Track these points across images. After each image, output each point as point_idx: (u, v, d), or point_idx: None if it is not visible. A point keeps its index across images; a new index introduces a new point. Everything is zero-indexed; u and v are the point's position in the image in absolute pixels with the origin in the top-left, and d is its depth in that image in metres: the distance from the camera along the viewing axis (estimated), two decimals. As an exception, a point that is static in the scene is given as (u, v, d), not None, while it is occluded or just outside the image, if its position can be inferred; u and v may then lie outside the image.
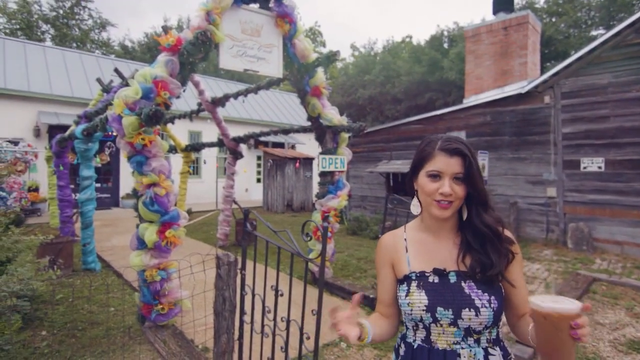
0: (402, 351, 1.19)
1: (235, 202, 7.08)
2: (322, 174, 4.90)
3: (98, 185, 11.53)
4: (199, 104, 6.55)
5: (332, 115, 4.63)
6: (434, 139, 1.14)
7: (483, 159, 6.28)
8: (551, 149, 7.15)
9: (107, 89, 5.36)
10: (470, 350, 1.07)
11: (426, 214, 1.18)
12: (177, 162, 10.17)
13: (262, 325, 2.41)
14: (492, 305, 1.05)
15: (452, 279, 1.10)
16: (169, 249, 3.19)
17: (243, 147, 7.14)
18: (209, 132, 14.17)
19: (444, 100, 19.70)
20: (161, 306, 3.22)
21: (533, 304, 0.85)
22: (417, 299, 1.09)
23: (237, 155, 6.92)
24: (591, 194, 6.79)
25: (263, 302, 2.39)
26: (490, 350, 1.08)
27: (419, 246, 1.19)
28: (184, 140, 9.75)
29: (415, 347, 1.14)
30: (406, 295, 1.13)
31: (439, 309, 1.07)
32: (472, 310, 1.04)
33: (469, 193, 1.09)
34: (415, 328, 1.14)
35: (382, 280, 1.24)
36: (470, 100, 8.81)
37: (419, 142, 1.21)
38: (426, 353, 1.11)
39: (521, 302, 1.11)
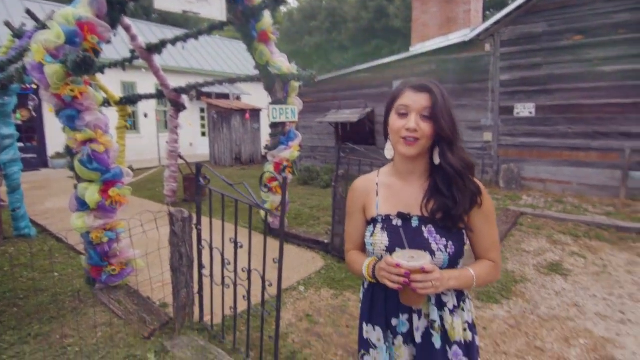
0: (366, 284, 1.30)
1: (182, 157, 6.78)
2: (273, 125, 4.79)
3: (21, 145, 10.37)
4: (132, 51, 5.94)
5: (282, 63, 4.44)
6: (404, 82, 1.14)
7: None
8: (489, 96, 7.53)
9: (19, 34, 4.64)
10: None
11: (398, 158, 1.20)
12: (112, 116, 9.36)
13: (223, 277, 2.43)
14: (448, 250, 1.10)
15: (415, 223, 1.15)
16: (114, 209, 3.02)
17: (185, 99, 6.70)
18: (145, 84, 13.08)
19: (391, 49, 19.67)
20: (112, 267, 3.11)
21: (393, 254, 1.05)
22: (379, 240, 1.16)
23: (179, 108, 6.51)
24: (522, 138, 7.36)
25: (222, 254, 2.40)
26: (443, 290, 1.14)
27: (388, 190, 1.23)
28: (116, 93, 8.92)
29: (375, 282, 1.22)
30: (370, 236, 1.20)
31: (398, 249, 1.13)
32: (427, 252, 1.09)
33: (438, 133, 1.09)
34: None
35: (354, 225, 1.30)
36: (416, 48, 8.88)
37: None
38: (384, 288, 1.19)
39: (482, 251, 1.18)
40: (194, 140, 15.56)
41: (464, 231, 1.15)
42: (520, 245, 4.53)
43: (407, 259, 1.02)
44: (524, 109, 7.28)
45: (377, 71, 8.88)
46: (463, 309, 1.17)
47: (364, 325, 1.27)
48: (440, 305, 1.15)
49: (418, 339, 1.14)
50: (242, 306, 2.64)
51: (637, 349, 2.50)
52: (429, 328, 1.14)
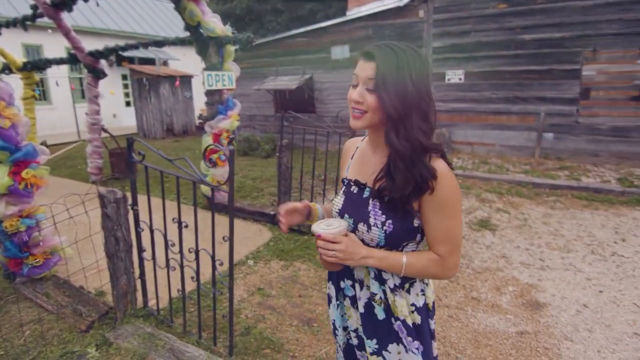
0: None
1: (105, 130, 6.15)
2: (209, 93, 4.48)
3: None
4: (34, 7, 5.09)
5: (215, 24, 4.10)
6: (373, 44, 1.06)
7: (368, 73, 6.49)
8: (420, 68, 7.74)
9: None
10: None
11: None
12: (15, 85, 8.13)
13: (167, 259, 2.28)
14: (384, 227, 1.04)
15: (366, 194, 1.13)
16: (30, 193, 2.65)
17: (104, 65, 5.98)
18: (53, 47, 11.47)
19: (326, 13, 19.24)
20: (34, 258, 2.77)
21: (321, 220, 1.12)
22: (337, 202, 1.20)
23: (98, 74, 5.81)
24: (452, 103, 7.75)
25: (165, 235, 2.23)
26: (355, 265, 1.10)
27: (360, 157, 1.22)
28: (18, 57, 7.69)
29: None
30: (336, 196, 1.25)
31: (346, 215, 1.15)
32: (365, 225, 1.08)
33: (380, 105, 0.98)
34: None
35: (341, 177, 1.33)
36: (353, 13, 8.75)
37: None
38: None
39: (429, 241, 1.07)
40: (117, 110, 14.21)
41: (417, 215, 1.05)
42: (454, 205, 4.87)
43: (324, 225, 1.08)
44: (454, 76, 7.62)
45: (315, 36, 8.66)
46: (409, 292, 1.13)
47: (327, 281, 1.33)
48: (381, 281, 1.13)
49: (361, 309, 1.16)
50: (189, 287, 2.52)
51: (555, 292, 2.85)
52: (371, 300, 1.15)
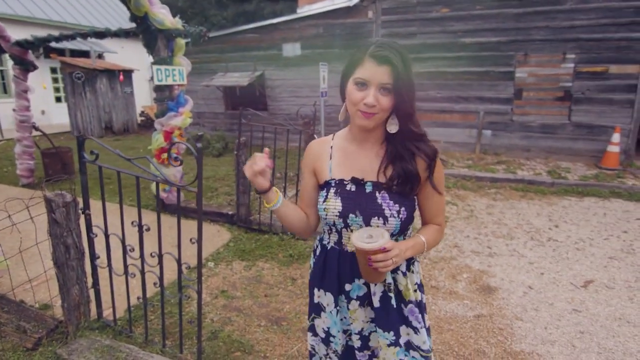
0: (318, 251, 1.29)
1: (37, 128, 5.59)
2: (159, 89, 4.25)
3: None
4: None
5: (164, 15, 3.89)
6: (367, 44, 1.06)
7: (323, 71, 6.55)
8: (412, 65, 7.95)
9: None
10: None
11: (353, 123, 1.16)
12: None
13: (126, 266, 2.14)
14: (400, 215, 1.11)
15: (368, 188, 1.14)
16: (-42, 199, 2.34)
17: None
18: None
19: (273, 9, 19.04)
20: (-37, 272, 2.46)
21: (352, 235, 1.06)
22: (332, 205, 1.15)
23: (27, 67, 5.27)
24: (401, 102, 8.05)
25: (123, 241, 2.10)
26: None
27: (342, 155, 1.20)
28: None
29: (328, 248, 1.23)
30: (323, 201, 1.17)
31: (351, 215, 1.13)
32: (380, 218, 1.11)
33: (397, 105, 1.06)
34: (329, 231, 1.22)
35: (304, 184, 1.29)
36: (304, 10, 8.75)
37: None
38: (337, 254, 1.20)
39: (429, 216, 1.22)
40: (46, 107, 12.96)
41: (415, 197, 1.17)
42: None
43: (366, 239, 1.01)
44: (402, 75, 7.93)
45: (265, 32, 8.54)
46: (412, 271, 1.22)
47: (316, 290, 1.27)
48: (394, 269, 1.19)
49: (376, 303, 1.17)
50: (151, 292, 2.39)
51: (504, 276, 3.09)
52: (386, 291, 1.17)
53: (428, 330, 1.26)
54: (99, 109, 10.64)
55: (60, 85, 12.43)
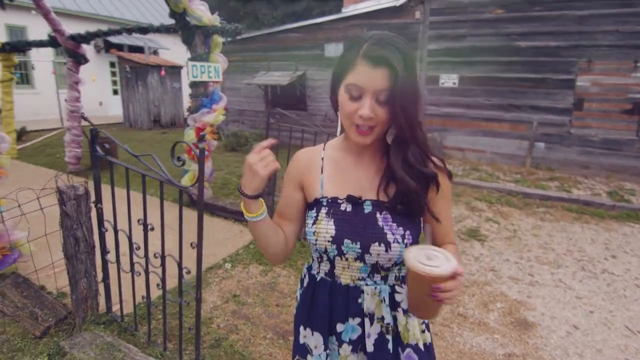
0: (305, 282, 1.10)
1: (85, 119, 5.84)
2: (193, 85, 4.28)
3: None
4: (11, -15, 4.82)
5: (202, 12, 3.89)
6: (360, 40, 0.87)
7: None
8: (417, 65, 7.62)
9: None
10: (375, 288, 0.99)
11: (347, 135, 0.98)
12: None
13: (132, 264, 2.09)
14: (405, 240, 0.93)
15: (367, 208, 0.96)
16: (-13, 184, 2.43)
17: (87, 51, 5.72)
18: (39, 29, 11.04)
19: (321, 10, 19.05)
20: (-10, 254, 2.55)
21: (405, 256, 0.81)
22: (323, 228, 0.96)
23: (79, 60, 5.54)
24: (445, 107, 7.64)
25: (130, 238, 2.04)
26: (397, 287, 1.00)
27: (336, 168, 1.01)
28: (1, 38, 7.35)
29: (318, 279, 1.04)
30: (313, 223, 0.98)
31: (346, 241, 0.94)
32: (382, 245, 0.93)
33: (398, 115, 0.86)
34: (319, 260, 1.03)
35: (285, 196, 1.07)
36: (348, 10, 8.58)
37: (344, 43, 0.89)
38: (328, 287, 1.02)
39: (440, 236, 1.03)
40: (104, 98, 13.83)
41: (421, 218, 0.99)
42: (443, 212, 4.74)
43: (424, 260, 0.78)
44: (449, 80, 7.52)
45: (308, 31, 8.46)
46: None
47: (302, 328, 1.08)
48: (394, 306, 1.00)
49: (370, 347, 0.98)
50: (157, 293, 2.34)
51: (545, 310, 2.73)
52: (384, 333, 0.99)
53: None
54: (148, 102, 11.13)
55: (117, 78, 13.17)
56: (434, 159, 0.97)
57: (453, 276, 0.77)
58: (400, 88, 0.82)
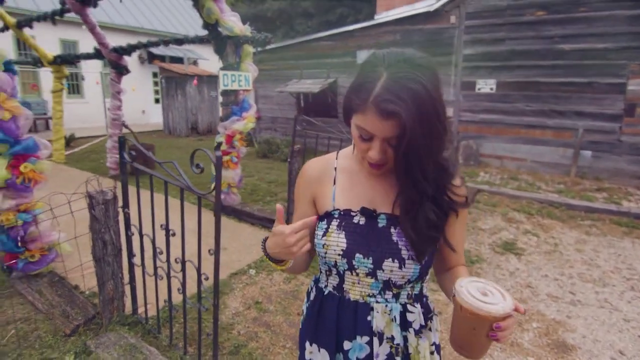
0: (312, 295, 1.05)
1: (126, 126, 6.14)
2: (225, 93, 4.38)
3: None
4: (62, 2, 5.17)
5: (233, 23, 3.99)
6: (368, 82, 0.77)
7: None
8: (452, 70, 7.41)
9: None
10: (387, 306, 0.93)
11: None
12: (47, 78, 8.42)
13: (155, 268, 2.13)
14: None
15: (382, 222, 0.91)
16: (28, 187, 2.58)
17: (132, 62, 6.04)
18: (89, 42, 11.83)
19: (355, 17, 19.10)
20: (30, 253, 2.71)
21: (458, 292, 0.74)
22: (334, 241, 0.91)
23: (121, 70, 5.85)
24: (481, 114, 7.37)
25: (153, 242, 2.09)
26: (409, 307, 0.95)
27: (349, 179, 0.97)
28: (55, 51, 7.92)
29: (325, 293, 0.99)
30: (323, 235, 0.93)
31: (358, 256, 0.90)
32: (395, 261, 0.88)
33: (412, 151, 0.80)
34: (328, 273, 0.98)
35: (300, 215, 1.03)
36: (381, 17, 8.52)
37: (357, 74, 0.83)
38: (336, 302, 0.97)
39: (454, 257, 0.98)
40: (146, 107, 14.54)
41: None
42: (477, 223, 4.53)
43: (480, 296, 0.72)
44: (485, 85, 7.25)
45: (340, 39, 8.48)
46: (430, 329, 0.97)
47: (307, 344, 1.03)
48: (405, 326, 0.94)
49: None
50: (180, 297, 2.37)
51: (586, 332, 2.51)
52: (393, 354, 0.93)
53: None
54: (187, 110, 11.57)
55: (159, 88, 13.80)
56: (456, 182, 0.91)
57: (516, 312, 0.73)
58: (414, 134, 0.75)
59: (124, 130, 6.34)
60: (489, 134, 7.36)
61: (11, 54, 11.11)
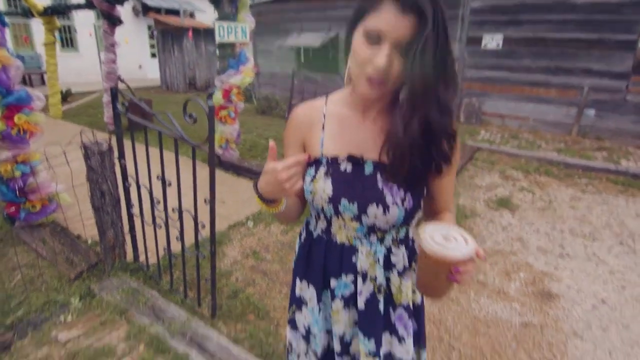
0: (302, 237, 1.09)
1: (121, 80, 6.03)
2: (221, 46, 4.25)
3: None
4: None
5: (227, -32, 3.79)
6: None
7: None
8: (458, 25, 7.12)
9: None
10: (371, 248, 0.96)
11: (355, 87, 0.90)
12: (39, 30, 8.14)
13: (154, 218, 2.18)
14: (405, 204, 0.89)
15: (368, 169, 0.91)
16: (24, 139, 2.58)
17: (126, 14, 5.80)
18: (79, -8, 11.32)
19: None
20: (31, 204, 2.76)
21: (421, 238, 0.75)
22: (320, 188, 0.92)
23: (114, 22, 5.64)
24: (486, 71, 7.17)
25: (151, 193, 2.12)
26: (393, 249, 0.97)
27: (338, 125, 0.95)
28: (45, 2, 7.60)
29: (314, 236, 1.03)
30: (311, 181, 0.94)
31: (343, 201, 0.91)
32: (380, 207, 0.89)
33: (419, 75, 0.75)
34: (317, 217, 1.01)
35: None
36: (386, -35, 8.05)
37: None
38: (324, 244, 1.00)
39: (442, 202, 0.98)
40: (143, 61, 14.16)
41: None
42: (474, 180, 4.57)
43: (442, 241, 0.74)
44: (492, 41, 7.00)
45: (344, -10, 8.08)
46: (414, 270, 1.00)
47: (298, 281, 1.09)
48: (388, 267, 0.98)
49: (361, 305, 0.98)
50: (179, 246, 2.44)
51: (571, 282, 2.61)
52: (375, 293, 0.97)
53: (419, 337, 1.05)
54: (184, 65, 11.28)
55: (155, 42, 13.37)
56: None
57: (477, 257, 0.73)
58: (427, 42, 0.71)
59: (121, 86, 6.23)
60: (492, 92, 7.21)
61: (0, 4, 10.68)
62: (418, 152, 0.83)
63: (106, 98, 6.00)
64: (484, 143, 6.01)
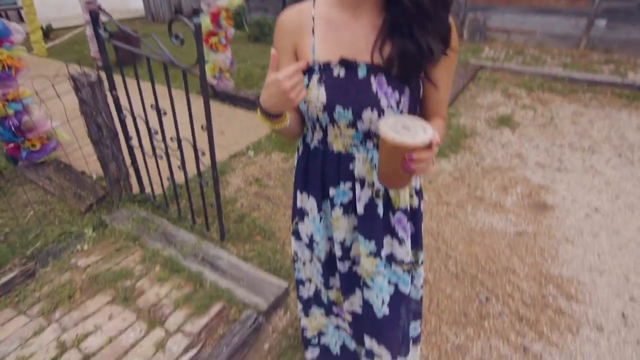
0: (300, 151, 1.11)
1: (103, 10, 5.65)
2: (203, -37, 3.89)
3: None
4: None
5: None
6: None
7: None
8: None
9: None
10: (367, 154, 0.97)
11: None
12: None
13: (153, 148, 2.20)
14: (400, 106, 0.88)
15: (362, 72, 0.88)
16: (10, 75, 2.49)
17: None
18: None
19: None
20: (30, 142, 2.76)
21: (379, 125, 0.77)
22: (314, 96, 0.90)
23: (84, -59, 5.12)
24: (493, -19, 6.65)
25: (147, 123, 2.10)
26: None
27: (328, 28, 0.91)
28: None
29: (311, 148, 1.04)
30: (307, 88, 0.92)
31: (338, 108, 0.90)
32: (374, 111, 0.88)
33: None
34: (313, 128, 1.01)
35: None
36: None
37: None
38: (320, 155, 1.02)
39: (436, 106, 0.96)
40: (122, -10, 13.11)
41: (420, 81, 0.91)
42: (475, 99, 4.47)
43: (400, 129, 0.75)
44: (501, -56, 6.37)
45: None
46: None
47: (299, 193, 1.13)
48: None
49: (360, 210, 1.02)
50: (182, 176, 2.49)
51: (566, 194, 2.68)
52: (374, 197, 1.01)
53: (417, 239, 1.12)
54: (167, -9, 10.47)
55: (133, -34, 12.26)
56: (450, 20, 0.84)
57: (429, 146, 0.74)
58: None
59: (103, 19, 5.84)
60: (499, 5, 6.75)
61: None
62: (413, 30, 0.80)
63: (89, 31, 5.67)
64: (488, 61, 5.77)
